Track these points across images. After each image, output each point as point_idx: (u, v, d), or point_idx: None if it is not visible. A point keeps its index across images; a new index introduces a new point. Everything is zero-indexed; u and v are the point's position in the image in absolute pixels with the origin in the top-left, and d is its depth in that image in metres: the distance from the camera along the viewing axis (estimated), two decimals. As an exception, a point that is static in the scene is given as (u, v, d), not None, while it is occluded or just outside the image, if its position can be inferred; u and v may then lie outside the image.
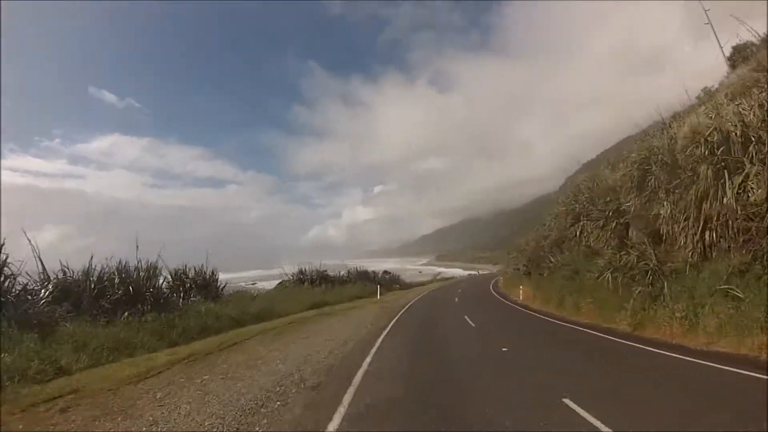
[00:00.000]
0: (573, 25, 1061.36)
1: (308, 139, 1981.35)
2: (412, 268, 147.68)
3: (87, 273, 10.90)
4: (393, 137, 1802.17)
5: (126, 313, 10.42)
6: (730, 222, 8.71)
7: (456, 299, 25.94)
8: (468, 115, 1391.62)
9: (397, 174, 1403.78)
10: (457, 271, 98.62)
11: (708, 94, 15.99)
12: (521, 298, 23.09)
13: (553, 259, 19.49)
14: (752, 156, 8.71)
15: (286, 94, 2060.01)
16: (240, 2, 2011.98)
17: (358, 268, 36.65)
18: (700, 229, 9.46)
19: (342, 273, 33.94)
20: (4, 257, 8.88)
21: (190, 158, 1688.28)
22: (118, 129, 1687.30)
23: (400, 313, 18.90)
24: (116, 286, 11.08)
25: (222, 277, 17.80)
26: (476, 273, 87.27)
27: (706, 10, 22.82)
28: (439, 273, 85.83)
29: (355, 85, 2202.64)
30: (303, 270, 30.11)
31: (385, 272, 43.11)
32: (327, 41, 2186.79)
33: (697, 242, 9.53)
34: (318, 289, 27.21)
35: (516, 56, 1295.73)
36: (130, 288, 11.35)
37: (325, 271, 31.90)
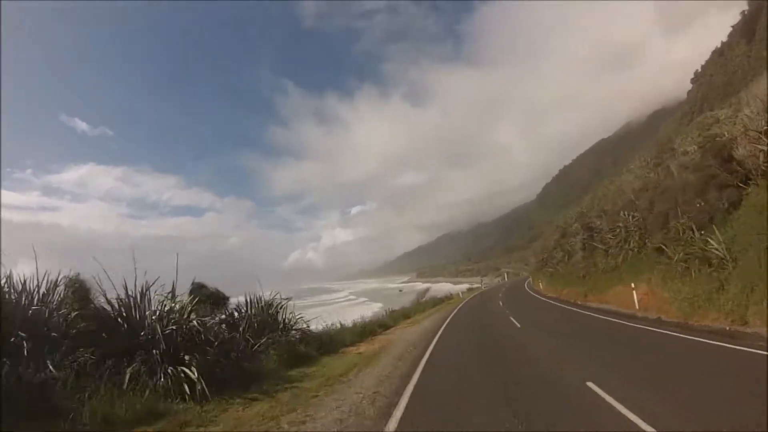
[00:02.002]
0: (544, 28, 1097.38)
1: (284, 161, 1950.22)
2: (393, 287, 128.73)
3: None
4: (369, 154, 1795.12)
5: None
6: None
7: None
8: (443, 127, 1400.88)
9: (374, 192, 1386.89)
10: (447, 286, 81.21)
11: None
12: None
13: None
14: None
15: (261, 115, 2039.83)
16: (211, 23, 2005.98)
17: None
18: None
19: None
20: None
21: (165, 187, 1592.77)
22: (92, 158, 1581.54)
23: None
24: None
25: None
26: (481, 286, 66.94)
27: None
28: (428, 289, 67.02)
29: (331, 102, 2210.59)
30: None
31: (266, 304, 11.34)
32: (300, 58, 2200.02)
33: None
34: None
35: (489, 63, 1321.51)
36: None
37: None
